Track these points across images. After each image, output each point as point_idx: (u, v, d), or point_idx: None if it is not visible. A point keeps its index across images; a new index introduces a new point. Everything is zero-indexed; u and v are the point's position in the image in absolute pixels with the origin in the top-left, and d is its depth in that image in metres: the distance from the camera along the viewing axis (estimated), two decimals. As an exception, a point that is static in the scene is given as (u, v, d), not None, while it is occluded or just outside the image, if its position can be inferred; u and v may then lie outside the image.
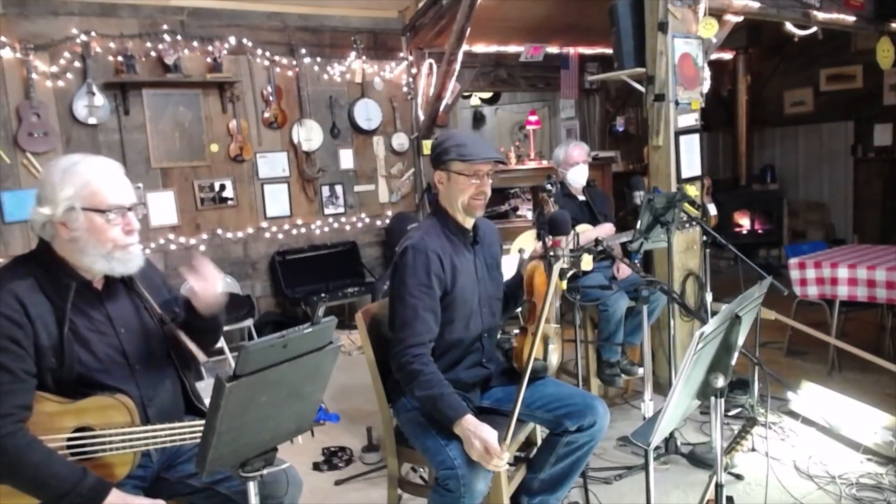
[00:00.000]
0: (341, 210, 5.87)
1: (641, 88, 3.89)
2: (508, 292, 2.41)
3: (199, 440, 1.31)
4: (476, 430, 1.87)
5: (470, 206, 2.14)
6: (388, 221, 6.04)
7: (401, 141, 6.08)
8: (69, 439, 1.57)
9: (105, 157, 1.71)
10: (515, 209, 6.46)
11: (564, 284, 2.19)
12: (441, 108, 5.84)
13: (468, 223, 2.22)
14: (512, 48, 6.36)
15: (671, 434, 3.04)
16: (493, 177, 2.17)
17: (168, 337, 1.77)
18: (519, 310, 3.33)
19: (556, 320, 2.25)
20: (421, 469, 2.87)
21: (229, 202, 5.30)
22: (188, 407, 1.85)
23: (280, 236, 5.56)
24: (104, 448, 1.58)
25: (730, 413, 3.36)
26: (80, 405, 1.60)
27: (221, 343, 3.04)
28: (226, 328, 4.55)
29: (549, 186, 2.82)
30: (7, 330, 1.53)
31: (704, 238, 3.30)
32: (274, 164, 5.49)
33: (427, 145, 6.06)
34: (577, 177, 3.76)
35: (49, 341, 1.57)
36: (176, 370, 1.81)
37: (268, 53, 5.34)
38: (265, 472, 1.41)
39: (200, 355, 1.74)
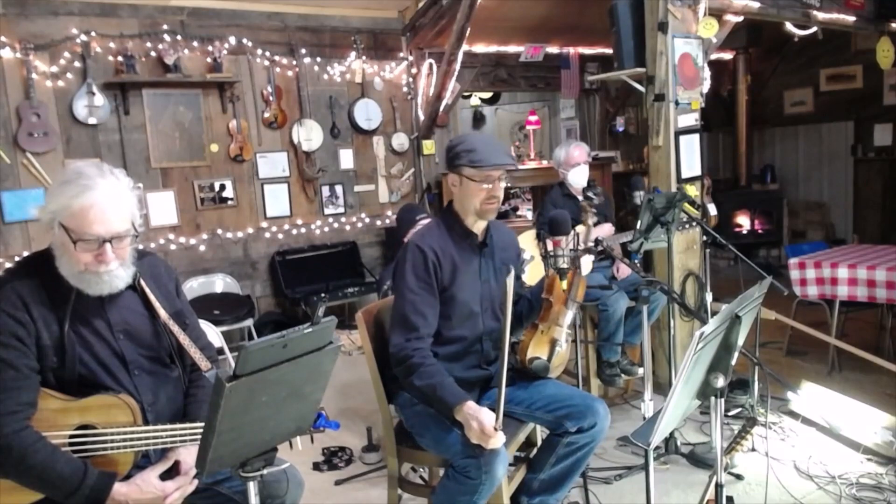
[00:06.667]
0: (341, 210, 5.87)
1: (641, 88, 3.89)
2: (533, 299, 2.31)
3: (199, 441, 1.31)
4: (476, 414, 1.90)
5: (482, 210, 2.16)
6: (388, 221, 6.03)
7: (401, 141, 6.08)
8: (71, 436, 1.58)
9: (112, 178, 1.61)
10: (515, 209, 6.46)
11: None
12: (441, 108, 5.85)
13: (478, 227, 2.23)
14: (512, 48, 6.37)
15: (671, 434, 3.04)
16: (509, 178, 2.17)
17: (173, 344, 1.77)
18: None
19: (569, 326, 2.25)
20: (421, 469, 2.87)
21: (229, 202, 5.30)
22: None
23: (280, 236, 5.55)
24: (105, 447, 1.59)
25: (730, 413, 3.36)
26: (83, 403, 1.60)
27: (221, 343, 3.04)
28: (226, 328, 4.58)
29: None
30: (10, 327, 1.54)
31: (704, 238, 3.30)
32: (274, 164, 5.49)
33: (427, 145, 6.08)
34: (578, 177, 3.76)
35: (50, 340, 1.58)
36: (179, 376, 1.81)
37: (268, 53, 5.33)
38: (265, 472, 1.42)
39: (204, 363, 1.74)
